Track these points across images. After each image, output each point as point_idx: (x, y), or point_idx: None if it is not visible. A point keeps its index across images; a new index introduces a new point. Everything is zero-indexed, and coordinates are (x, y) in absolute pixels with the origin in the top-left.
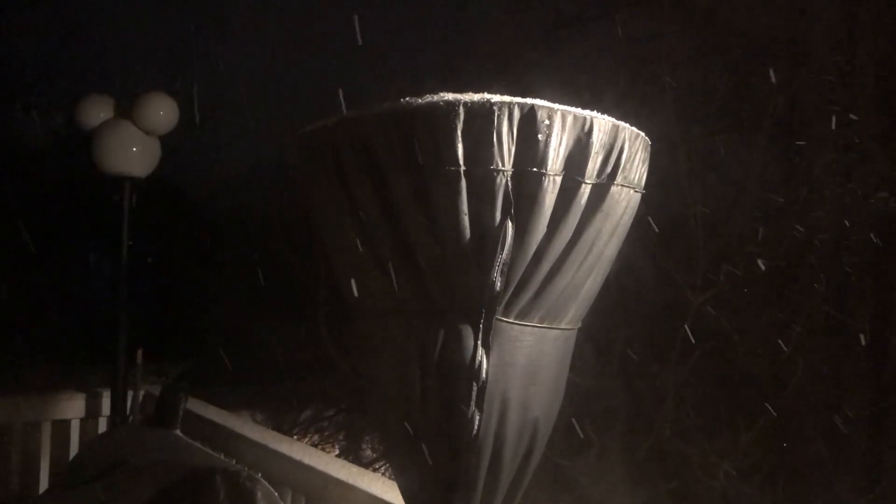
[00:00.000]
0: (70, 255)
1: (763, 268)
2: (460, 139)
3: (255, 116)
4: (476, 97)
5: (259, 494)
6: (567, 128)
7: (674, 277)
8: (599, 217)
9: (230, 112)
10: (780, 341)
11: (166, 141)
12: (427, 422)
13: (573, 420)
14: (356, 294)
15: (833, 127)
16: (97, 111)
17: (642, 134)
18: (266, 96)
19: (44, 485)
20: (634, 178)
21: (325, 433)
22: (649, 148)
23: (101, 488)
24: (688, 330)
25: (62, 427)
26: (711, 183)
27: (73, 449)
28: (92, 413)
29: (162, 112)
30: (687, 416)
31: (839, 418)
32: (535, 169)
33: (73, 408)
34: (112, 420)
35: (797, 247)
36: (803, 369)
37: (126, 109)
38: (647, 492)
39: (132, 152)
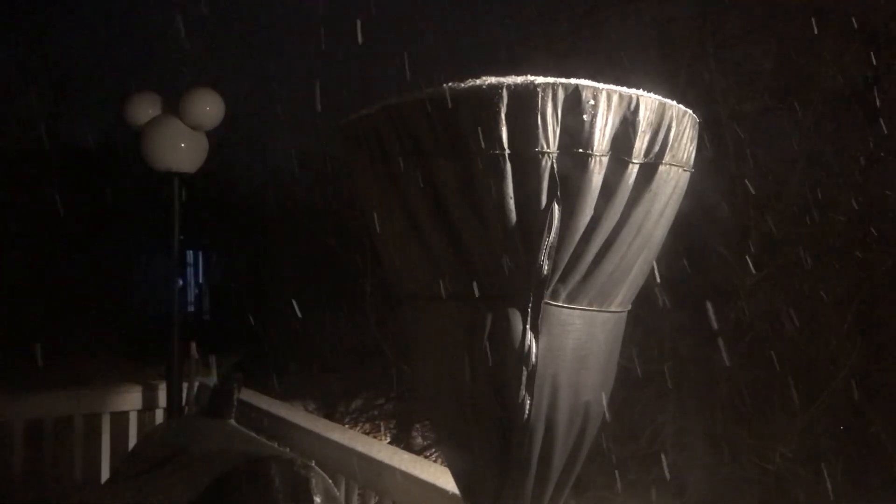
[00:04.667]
0: (126, 252)
1: (816, 247)
2: (504, 122)
3: (300, 108)
4: (519, 80)
5: (313, 482)
6: (612, 107)
7: (725, 258)
8: (648, 197)
9: (276, 105)
10: (836, 321)
11: (213, 136)
12: (477, 407)
13: (625, 404)
14: (403, 281)
15: (889, 99)
16: (145, 108)
17: (690, 112)
18: (309, 87)
19: (105, 475)
20: (683, 157)
21: (376, 422)
22: (697, 126)
23: (160, 477)
24: (740, 311)
25: (121, 418)
26: (761, 161)
27: (132, 440)
28: (149, 405)
29: (208, 107)
30: (740, 400)
31: None
32: (580, 150)
33: (130, 400)
34: (168, 411)
35: (851, 224)
36: (860, 349)
37: (173, 106)
38: (701, 476)
39: (180, 148)
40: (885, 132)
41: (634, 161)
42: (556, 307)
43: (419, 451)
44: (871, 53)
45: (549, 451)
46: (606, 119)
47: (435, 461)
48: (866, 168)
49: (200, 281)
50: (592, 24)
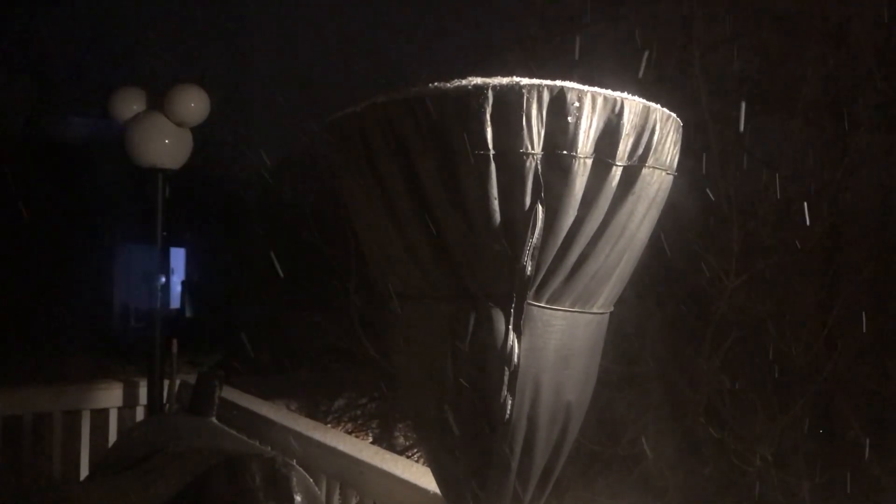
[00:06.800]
0: (109, 248)
1: (798, 251)
2: (489, 123)
3: (286, 106)
4: (505, 80)
5: (294, 480)
6: (597, 109)
7: (707, 261)
8: (631, 200)
9: (261, 102)
10: (816, 325)
11: (198, 132)
12: (459, 407)
13: (606, 405)
14: (387, 280)
15: (870, 107)
16: (130, 103)
17: (674, 115)
18: (295, 85)
19: (84, 472)
20: (666, 160)
21: (359, 421)
22: (681, 130)
23: (140, 475)
24: (722, 314)
25: (101, 416)
26: (744, 165)
27: (112, 437)
28: (129, 402)
29: (193, 103)
30: (721, 402)
31: (877, 403)
32: (564, 152)
33: (111, 397)
34: (149, 409)
35: (834, 229)
36: (840, 353)
37: (158, 101)
38: (681, 478)
39: (164, 144)
40: (866, 139)
41: (618, 164)
42: (539, 308)
43: (401, 451)
44: (854, 61)
45: (531, 451)
46: (591, 121)
47: (417, 461)
48: (848, 174)
49: (183, 278)
50: (577, 28)
